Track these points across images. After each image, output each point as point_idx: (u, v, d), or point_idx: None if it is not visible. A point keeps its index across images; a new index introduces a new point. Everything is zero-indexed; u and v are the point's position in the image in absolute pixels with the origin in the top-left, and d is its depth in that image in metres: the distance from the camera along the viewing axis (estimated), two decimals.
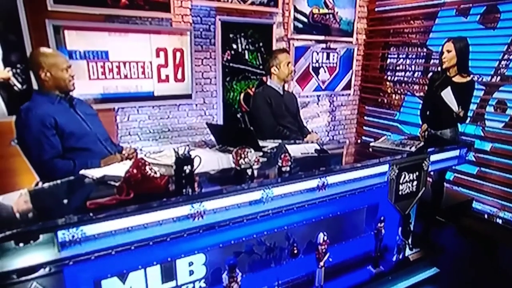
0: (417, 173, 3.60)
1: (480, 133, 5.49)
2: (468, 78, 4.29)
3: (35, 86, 3.54)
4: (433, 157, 3.71)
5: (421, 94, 6.18)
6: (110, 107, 4.96)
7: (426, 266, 3.97)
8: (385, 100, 7.20)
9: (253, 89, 5.60)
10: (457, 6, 5.69)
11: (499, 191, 5.31)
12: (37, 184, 3.16)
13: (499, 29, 5.22)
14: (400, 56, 6.85)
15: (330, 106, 7.28)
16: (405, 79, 6.82)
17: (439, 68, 4.50)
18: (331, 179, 3.01)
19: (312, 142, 4.01)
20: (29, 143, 3.10)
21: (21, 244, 1.91)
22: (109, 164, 2.96)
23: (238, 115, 4.55)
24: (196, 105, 5.72)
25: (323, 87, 6.98)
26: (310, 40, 6.58)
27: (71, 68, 3.26)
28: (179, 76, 5.37)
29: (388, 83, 7.13)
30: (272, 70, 4.44)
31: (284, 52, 4.47)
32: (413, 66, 6.68)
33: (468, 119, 4.71)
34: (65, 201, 2.33)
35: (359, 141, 7.56)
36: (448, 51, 4.25)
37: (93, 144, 3.27)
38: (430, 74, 4.98)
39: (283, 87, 4.55)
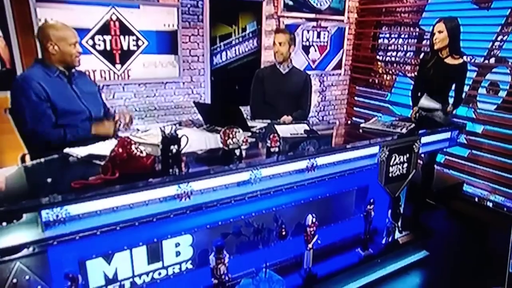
0: (407, 155, 3.58)
1: (472, 115, 5.48)
2: (461, 60, 4.24)
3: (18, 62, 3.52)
4: (424, 139, 3.71)
5: (413, 74, 6.15)
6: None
7: (415, 249, 4.00)
8: (376, 81, 7.17)
9: None
10: None
11: (490, 174, 5.32)
12: (23, 157, 3.13)
13: (493, 10, 5.16)
14: (392, 35, 6.79)
15: (320, 86, 7.23)
16: (397, 59, 6.78)
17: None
18: (321, 160, 2.99)
19: (284, 123, 3.99)
20: (26, 114, 3.03)
21: (4, 224, 1.89)
22: (99, 133, 3.04)
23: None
24: (184, 83, 5.65)
25: (313, 66, 6.93)
26: (301, 18, 6.49)
27: (78, 43, 3.20)
28: None
29: (379, 63, 7.08)
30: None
31: (276, 31, 4.46)
32: (405, 46, 6.63)
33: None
34: (49, 180, 2.28)
35: (349, 122, 7.51)
36: (440, 32, 4.18)
37: (83, 122, 3.21)
38: (422, 55, 4.94)
39: (288, 66, 4.48)
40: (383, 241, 3.78)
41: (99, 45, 4.82)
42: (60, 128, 3.05)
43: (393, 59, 6.85)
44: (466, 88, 4.78)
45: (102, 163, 2.30)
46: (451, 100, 4.40)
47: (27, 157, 3.14)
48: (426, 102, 4.16)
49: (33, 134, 3.06)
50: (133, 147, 2.31)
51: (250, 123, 3.44)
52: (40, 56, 3.18)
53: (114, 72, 5.01)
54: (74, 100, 3.20)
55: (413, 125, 3.77)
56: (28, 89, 2.97)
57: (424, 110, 4.25)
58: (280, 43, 4.29)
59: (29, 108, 3.00)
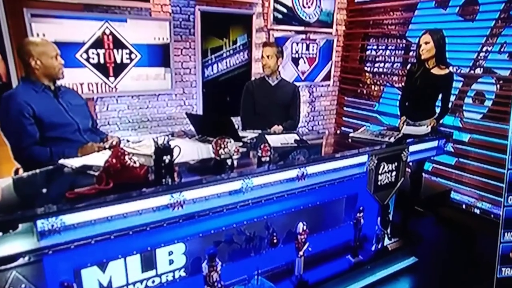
0: (396, 163, 3.63)
1: (459, 124, 5.55)
2: (447, 71, 4.31)
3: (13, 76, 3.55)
4: (412, 148, 3.75)
5: (401, 85, 6.21)
6: (89, 96, 4.89)
7: (404, 255, 4.04)
8: (365, 91, 7.24)
9: None
10: None
11: (477, 182, 5.38)
12: (16, 171, 3.15)
13: (478, 21, 5.26)
14: (380, 47, 6.88)
15: (309, 96, 7.30)
16: (385, 70, 6.87)
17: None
18: (311, 169, 3.03)
19: (275, 133, 4.05)
20: (9, 131, 3.09)
21: (0, 233, 1.90)
22: (85, 154, 2.95)
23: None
24: (176, 95, 5.70)
25: (302, 78, 6.99)
26: (290, 31, 6.57)
27: (59, 56, 3.23)
28: None
29: (367, 74, 7.16)
30: None
31: (263, 45, 4.52)
32: (392, 57, 6.72)
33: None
34: (44, 190, 2.31)
35: (338, 131, 7.58)
36: (426, 43, 4.24)
37: (72, 134, 3.23)
38: (409, 65, 5.01)
39: (277, 78, 4.55)
40: (373, 248, 3.81)
41: (93, 58, 4.85)
42: (47, 148, 3.06)
43: (380, 70, 6.93)
44: (452, 98, 4.85)
45: (96, 173, 2.31)
46: (437, 110, 4.47)
47: (20, 171, 3.17)
48: (409, 129, 4.15)
49: (18, 151, 3.09)
50: (126, 157, 2.32)
51: (241, 133, 3.47)
52: (24, 74, 3.21)
53: (108, 85, 5.03)
54: (61, 113, 3.22)
55: (401, 134, 3.82)
56: (10, 107, 3.00)
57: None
58: (268, 56, 4.35)
59: (11, 125, 3.04)
